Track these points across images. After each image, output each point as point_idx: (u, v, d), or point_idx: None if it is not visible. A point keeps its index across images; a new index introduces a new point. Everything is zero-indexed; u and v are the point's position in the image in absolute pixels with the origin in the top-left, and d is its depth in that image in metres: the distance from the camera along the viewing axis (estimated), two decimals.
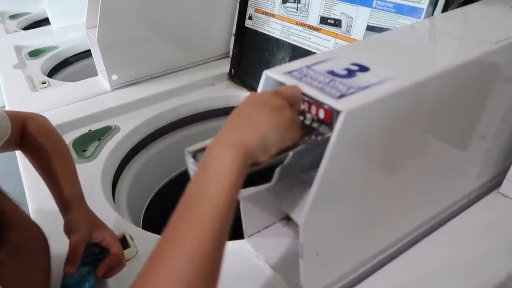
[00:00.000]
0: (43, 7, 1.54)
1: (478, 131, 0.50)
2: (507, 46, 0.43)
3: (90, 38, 0.94)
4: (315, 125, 0.38)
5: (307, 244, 0.38)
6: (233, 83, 0.98)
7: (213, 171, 0.31)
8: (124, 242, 0.54)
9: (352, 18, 0.69)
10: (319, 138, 0.36)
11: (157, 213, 0.89)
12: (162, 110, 0.90)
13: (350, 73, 0.38)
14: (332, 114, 0.36)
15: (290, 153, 0.35)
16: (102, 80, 1.00)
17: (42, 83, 1.04)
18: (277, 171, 0.35)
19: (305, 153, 0.37)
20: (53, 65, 1.31)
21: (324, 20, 0.74)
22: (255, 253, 0.49)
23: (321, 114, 0.37)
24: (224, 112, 0.97)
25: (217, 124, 0.97)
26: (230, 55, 1.03)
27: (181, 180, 0.95)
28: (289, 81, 0.38)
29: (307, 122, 0.39)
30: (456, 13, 0.53)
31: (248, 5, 0.92)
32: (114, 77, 0.95)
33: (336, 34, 0.72)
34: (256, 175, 0.35)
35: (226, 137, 0.33)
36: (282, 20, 0.83)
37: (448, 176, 0.51)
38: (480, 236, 0.50)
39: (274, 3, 0.85)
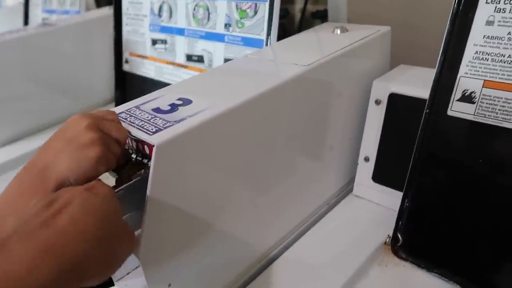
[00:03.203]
0: None
1: (323, 143, 0.56)
2: (318, 66, 0.49)
3: None
4: (145, 160, 0.40)
5: (154, 278, 0.39)
6: None
7: None
8: None
9: (211, 53, 0.73)
10: (146, 172, 0.38)
11: None
12: None
13: (173, 108, 0.41)
14: (153, 149, 0.38)
15: (122, 188, 0.37)
16: None
17: None
18: None
19: (137, 187, 0.38)
20: None
21: (189, 58, 0.78)
22: None
23: (147, 150, 0.39)
24: None
25: None
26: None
27: None
28: None
29: (139, 158, 0.41)
30: (285, 42, 0.59)
31: (123, 49, 0.94)
32: None
33: (201, 69, 0.76)
34: None
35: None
36: (155, 61, 0.86)
37: (307, 185, 0.56)
38: (338, 236, 0.54)
39: (145, 45, 0.88)
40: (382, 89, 0.55)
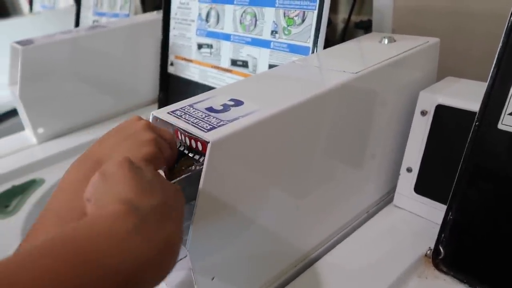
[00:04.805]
0: None
1: (365, 151, 0.56)
2: (366, 75, 0.49)
3: (14, 95, 0.94)
4: (196, 157, 0.42)
5: (199, 270, 0.41)
6: None
7: None
8: None
9: (256, 58, 0.75)
10: (198, 167, 0.40)
11: None
12: None
13: (225, 108, 0.43)
14: (207, 145, 0.40)
15: (175, 182, 0.39)
16: (28, 134, 0.99)
17: None
18: None
19: (188, 182, 0.40)
20: None
21: (234, 62, 0.80)
22: (165, 287, 0.51)
23: (200, 147, 0.41)
24: None
25: None
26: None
27: None
28: (171, 119, 0.42)
29: (191, 155, 0.43)
30: (331, 50, 0.60)
31: (169, 52, 0.98)
32: (40, 130, 0.95)
33: (245, 74, 0.78)
34: None
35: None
36: (199, 65, 0.89)
37: (347, 193, 0.56)
38: (377, 245, 0.54)
39: (191, 49, 0.91)
40: (428, 100, 0.55)
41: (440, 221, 0.50)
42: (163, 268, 0.28)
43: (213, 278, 0.42)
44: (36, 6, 1.93)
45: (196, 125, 0.40)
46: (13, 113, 1.33)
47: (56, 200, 0.36)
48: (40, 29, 1.40)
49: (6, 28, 1.49)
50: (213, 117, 0.41)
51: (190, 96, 0.47)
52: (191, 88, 0.91)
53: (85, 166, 0.37)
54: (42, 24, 1.59)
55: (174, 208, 0.32)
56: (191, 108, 0.44)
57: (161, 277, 0.28)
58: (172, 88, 0.99)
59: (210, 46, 0.85)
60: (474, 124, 0.46)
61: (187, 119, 0.41)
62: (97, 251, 0.24)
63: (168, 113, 0.43)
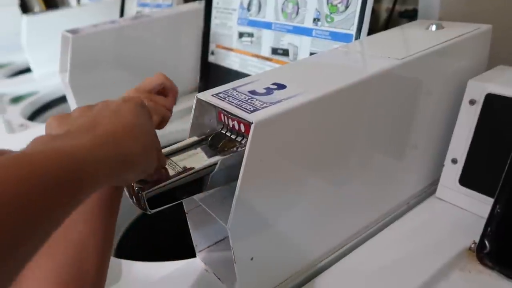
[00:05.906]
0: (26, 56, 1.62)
1: (407, 141, 0.55)
2: (412, 61, 0.48)
3: (63, 81, 0.99)
4: (239, 138, 0.43)
5: (239, 249, 0.41)
6: None
7: None
8: None
9: (297, 47, 0.75)
10: (241, 149, 0.41)
11: (133, 241, 0.91)
12: None
13: (268, 91, 0.43)
14: (249, 127, 0.40)
15: (218, 162, 0.40)
16: None
17: (20, 126, 1.08)
18: (207, 179, 0.39)
19: (231, 163, 0.41)
20: (34, 109, 1.36)
21: (274, 51, 0.80)
22: (204, 267, 0.52)
23: (242, 128, 0.42)
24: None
25: None
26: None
27: None
28: (215, 101, 0.43)
29: (233, 136, 0.43)
30: (376, 37, 0.59)
31: (210, 41, 0.99)
32: None
33: (285, 62, 0.78)
34: (188, 186, 0.39)
35: None
36: (240, 53, 0.90)
37: (386, 183, 0.55)
38: (418, 236, 0.53)
39: (232, 38, 0.92)
40: (478, 89, 0.53)
41: (485, 214, 0.48)
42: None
43: (252, 258, 0.43)
44: None
45: (239, 107, 0.40)
46: (62, 100, 1.40)
47: None
48: (87, 20, 1.45)
49: (56, 19, 1.56)
50: (257, 100, 0.41)
51: None
52: (231, 76, 0.92)
53: None
54: (89, 15, 1.65)
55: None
56: (234, 91, 0.44)
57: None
58: (212, 76, 1.00)
59: (251, 34, 0.86)
60: None
61: (230, 101, 0.42)
62: None
63: (212, 95, 0.44)
